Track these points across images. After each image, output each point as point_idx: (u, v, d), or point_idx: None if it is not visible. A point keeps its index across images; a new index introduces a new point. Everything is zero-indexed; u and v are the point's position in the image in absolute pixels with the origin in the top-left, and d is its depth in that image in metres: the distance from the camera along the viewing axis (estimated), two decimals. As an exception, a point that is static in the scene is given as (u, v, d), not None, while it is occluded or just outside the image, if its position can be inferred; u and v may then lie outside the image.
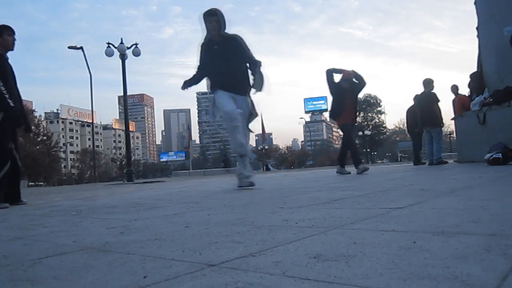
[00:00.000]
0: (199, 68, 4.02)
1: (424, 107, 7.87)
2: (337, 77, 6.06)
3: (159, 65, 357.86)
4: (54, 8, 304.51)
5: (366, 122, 64.75)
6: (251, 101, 3.96)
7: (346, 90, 5.97)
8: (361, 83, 6.10)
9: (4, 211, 3.22)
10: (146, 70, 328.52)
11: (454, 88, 8.68)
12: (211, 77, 3.97)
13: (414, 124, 8.56)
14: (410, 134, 9.50)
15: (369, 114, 66.06)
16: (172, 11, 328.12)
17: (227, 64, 3.84)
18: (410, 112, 8.88)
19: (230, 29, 3.89)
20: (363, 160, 7.37)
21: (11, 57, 3.85)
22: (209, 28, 3.81)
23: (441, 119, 8.06)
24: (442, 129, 9.10)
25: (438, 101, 7.93)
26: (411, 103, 8.84)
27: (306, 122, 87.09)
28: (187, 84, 4.04)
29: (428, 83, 8.02)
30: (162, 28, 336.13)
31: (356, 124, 6.56)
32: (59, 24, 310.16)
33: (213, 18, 3.77)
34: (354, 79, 6.02)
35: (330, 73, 6.01)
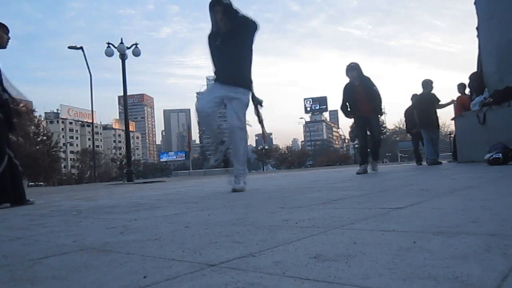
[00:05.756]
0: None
1: (423, 109, 7.85)
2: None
3: (158, 64, 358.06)
4: (51, 7, 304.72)
5: (366, 122, 64.53)
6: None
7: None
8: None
9: (4, 211, 3.21)
10: (145, 70, 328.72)
11: (461, 87, 8.60)
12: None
13: (411, 125, 8.54)
14: (410, 134, 9.47)
15: (369, 114, 65.86)
16: (169, 10, 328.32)
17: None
18: (408, 112, 8.84)
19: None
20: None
21: (3, 55, 3.79)
22: None
23: (438, 121, 8.05)
24: (440, 130, 9.06)
25: (439, 101, 7.91)
26: (410, 103, 8.83)
27: (306, 122, 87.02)
28: None
29: (427, 84, 7.99)
30: (159, 28, 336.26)
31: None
32: (56, 23, 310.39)
33: None
34: None
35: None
